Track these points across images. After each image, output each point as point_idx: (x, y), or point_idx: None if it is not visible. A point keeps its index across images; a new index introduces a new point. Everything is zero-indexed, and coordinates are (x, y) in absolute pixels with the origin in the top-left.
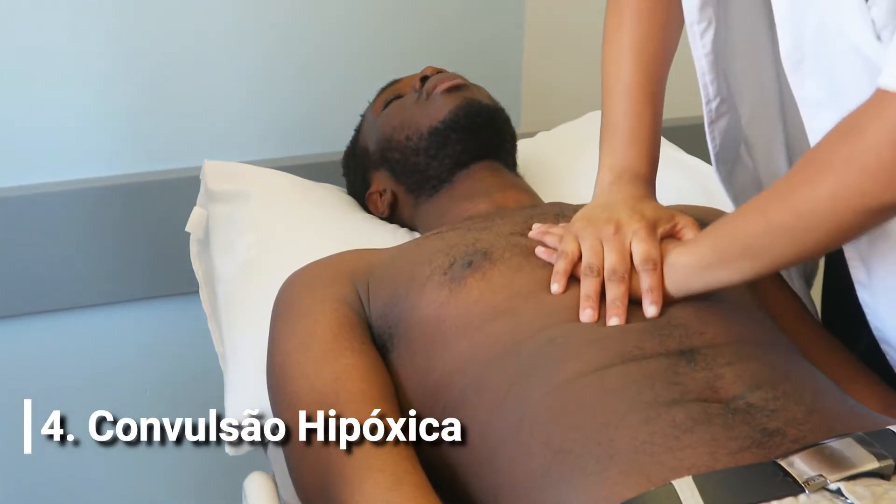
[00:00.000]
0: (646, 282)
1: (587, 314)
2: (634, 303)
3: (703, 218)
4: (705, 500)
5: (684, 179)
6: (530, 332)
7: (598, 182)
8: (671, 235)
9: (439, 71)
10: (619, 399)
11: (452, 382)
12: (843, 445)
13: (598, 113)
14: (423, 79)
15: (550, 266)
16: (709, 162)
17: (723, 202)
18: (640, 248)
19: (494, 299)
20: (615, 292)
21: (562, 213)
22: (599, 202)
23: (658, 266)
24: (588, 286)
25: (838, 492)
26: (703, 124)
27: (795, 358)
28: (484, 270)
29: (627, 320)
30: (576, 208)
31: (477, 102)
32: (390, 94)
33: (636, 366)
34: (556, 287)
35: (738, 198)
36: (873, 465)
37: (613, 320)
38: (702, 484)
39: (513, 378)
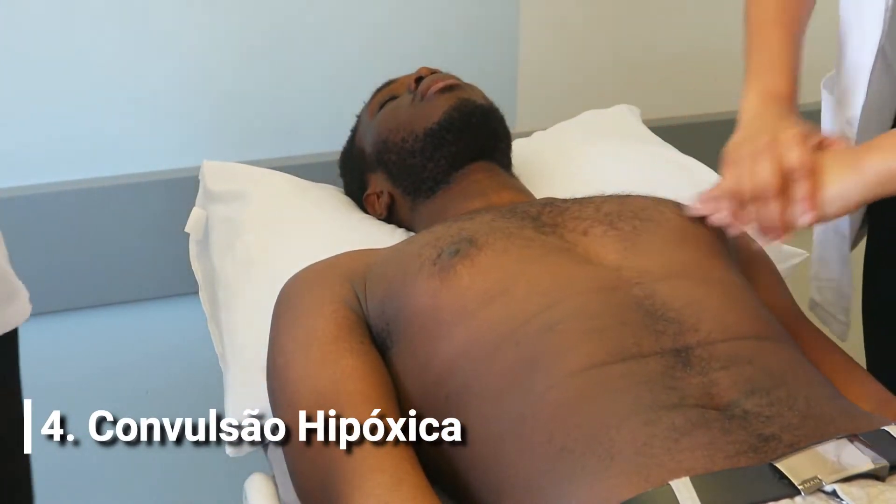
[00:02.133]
0: (800, 190)
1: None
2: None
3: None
4: (702, 500)
5: (679, 179)
6: (526, 315)
7: (745, 108)
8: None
9: (434, 71)
10: (620, 400)
11: (453, 372)
12: (838, 447)
13: (594, 112)
14: (418, 80)
15: (535, 245)
16: (703, 161)
17: None
18: (793, 156)
19: (485, 283)
20: (768, 215)
21: (551, 203)
22: (751, 130)
23: (813, 174)
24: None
25: (833, 493)
26: (696, 124)
27: (789, 354)
28: (471, 256)
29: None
30: (566, 201)
31: (471, 102)
32: (385, 96)
33: (635, 365)
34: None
35: None
36: (868, 466)
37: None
38: (699, 485)
39: (513, 370)
